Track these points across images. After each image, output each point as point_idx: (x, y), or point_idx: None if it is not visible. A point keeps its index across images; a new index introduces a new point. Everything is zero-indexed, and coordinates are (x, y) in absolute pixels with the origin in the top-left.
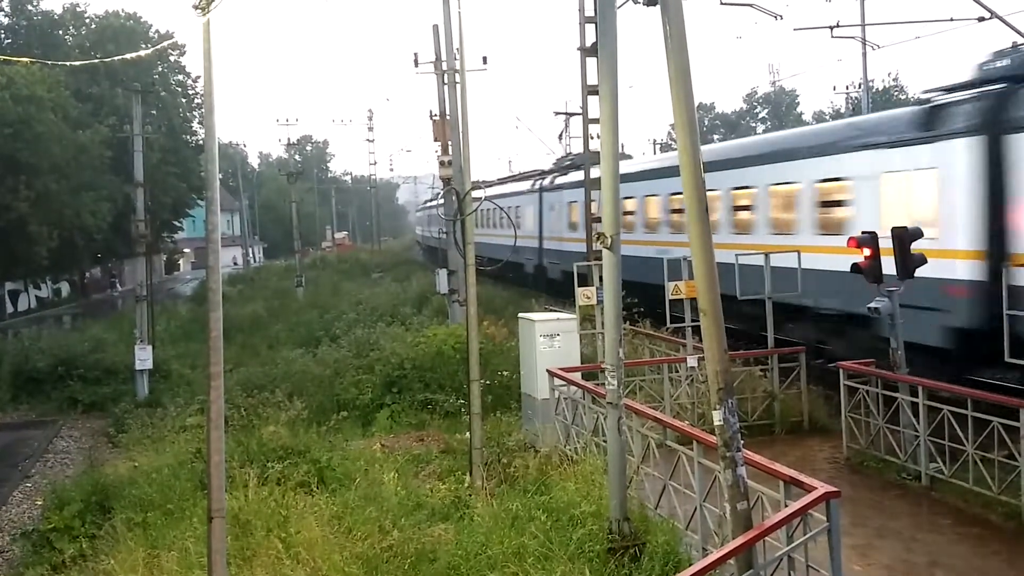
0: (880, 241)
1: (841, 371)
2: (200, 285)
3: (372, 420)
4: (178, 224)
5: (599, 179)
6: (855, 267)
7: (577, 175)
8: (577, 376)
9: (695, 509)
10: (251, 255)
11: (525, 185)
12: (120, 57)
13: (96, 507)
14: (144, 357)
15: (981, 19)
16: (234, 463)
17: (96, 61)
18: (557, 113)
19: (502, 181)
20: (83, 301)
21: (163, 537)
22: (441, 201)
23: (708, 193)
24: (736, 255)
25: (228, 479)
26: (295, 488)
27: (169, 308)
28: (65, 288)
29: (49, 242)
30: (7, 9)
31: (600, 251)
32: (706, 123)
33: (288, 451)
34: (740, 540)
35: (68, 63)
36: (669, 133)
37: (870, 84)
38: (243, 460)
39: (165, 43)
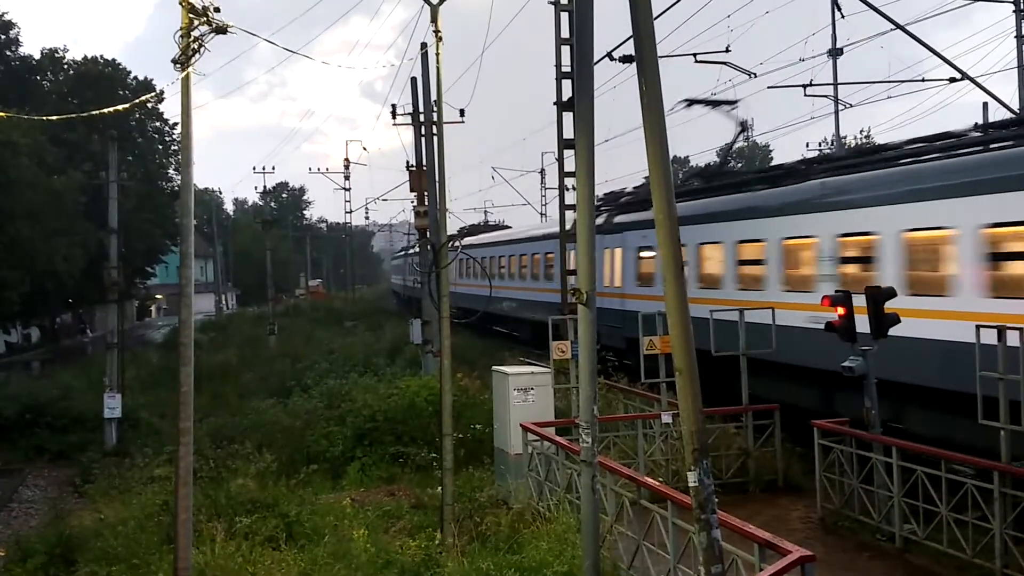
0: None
1: (815, 430)
2: (172, 332)
3: (342, 473)
4: (151, 270)
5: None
6: (829, 326)
7: (469, 239)
8: (551, 431)
9: (669, 571)
10: (224, 302)
11: None
12: (98, 112)
13: (60, 560)
14: (113, 405)
15: (952, 80)
16: (201, 517)
17: (73, 116)
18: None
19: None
20: (53, 347)
21: None
22: (415, 251)
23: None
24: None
25: (195, 533)
26: (263, 543)
27: (140, 355)
28: (35, 334)
29: (21, 287)
30: None
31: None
32: (680, 176)
33: (256, 505)
34: None
35: (45, 118)
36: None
37: (843, 140)
38: (211, 514)
39: (144, 98)
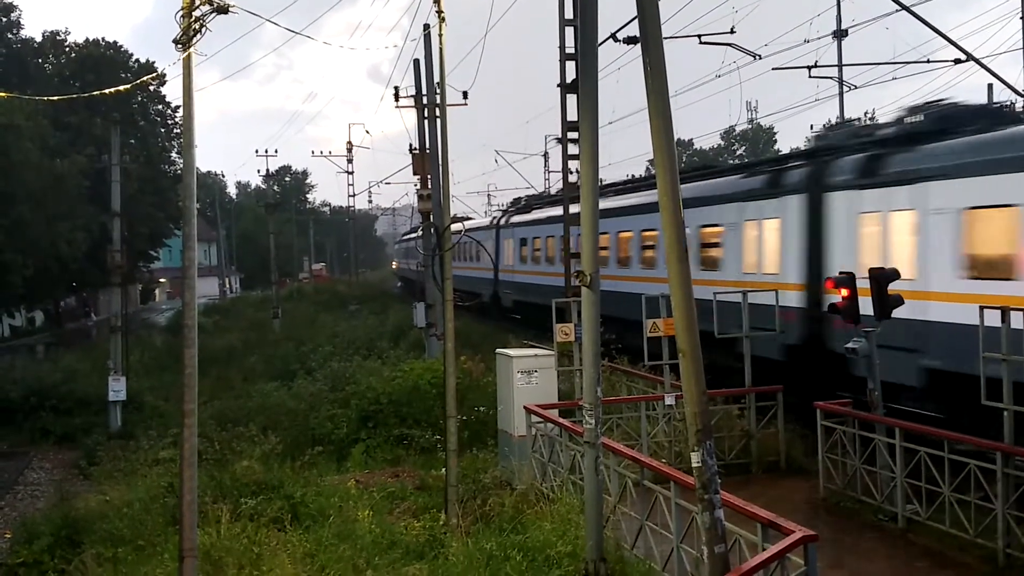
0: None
1: (818, 411)
2: (175, 315)
3: (347, 455)
4: (154, 254)
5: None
6: (832, 307)
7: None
8: (554, 413)
9: (672, 550)
10: (228, 285)
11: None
12: (100, 92)
13: (66, 541)
14: (117, 388)
15: (957, 61)
16: (207, 498)
17: (75, 96)
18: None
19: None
20: (57, 330)
21: (133, 574)
22: (419, 234)
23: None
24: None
25: (200, 515)
26: (268, 524)
27: (144, 339)
28: (39, 317)
29: (24, 271)
30: None
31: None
32: (684, 160)
33: (261, 486)
34: None
35: (47, 98)
36: (647, 168)
37: (847, 122)
38: (216, 495)
39: (146, 78)
